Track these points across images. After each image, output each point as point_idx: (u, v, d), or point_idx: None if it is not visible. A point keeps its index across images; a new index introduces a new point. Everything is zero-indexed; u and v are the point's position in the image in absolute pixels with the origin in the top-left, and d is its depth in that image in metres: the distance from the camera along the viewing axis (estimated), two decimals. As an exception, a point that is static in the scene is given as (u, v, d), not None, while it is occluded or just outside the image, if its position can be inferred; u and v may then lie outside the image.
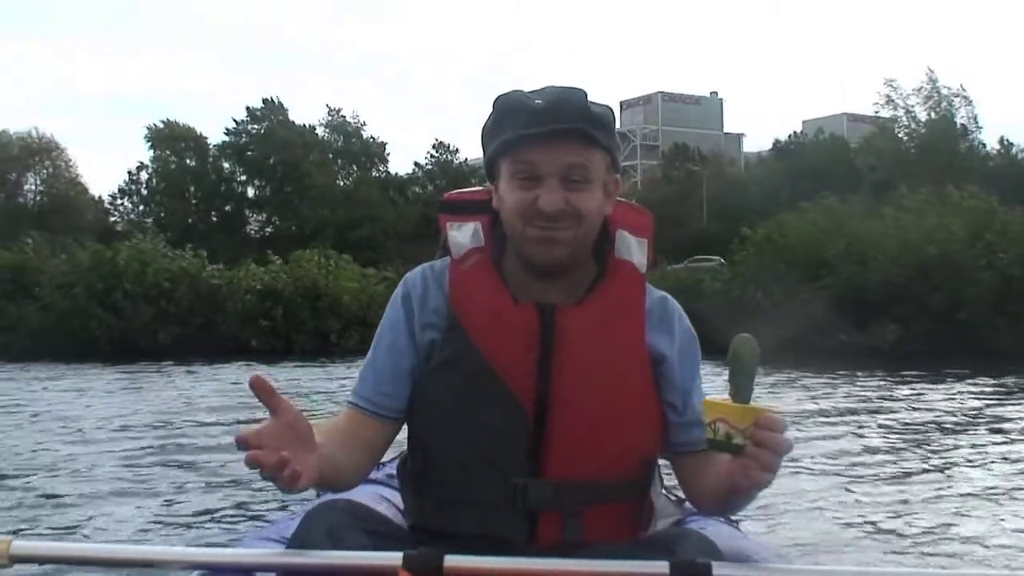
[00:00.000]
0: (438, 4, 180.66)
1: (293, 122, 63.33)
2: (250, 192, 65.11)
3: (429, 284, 2.14)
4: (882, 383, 16.91)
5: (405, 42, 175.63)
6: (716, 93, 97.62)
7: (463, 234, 2.18)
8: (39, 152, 64.89)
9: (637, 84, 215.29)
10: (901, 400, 14.07)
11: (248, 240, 58.34)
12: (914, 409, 12.72)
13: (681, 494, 2.43)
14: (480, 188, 2.23)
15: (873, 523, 5.69)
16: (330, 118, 66.24)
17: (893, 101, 52.74)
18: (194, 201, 63.50)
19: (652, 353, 2.09)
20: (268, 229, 62.91)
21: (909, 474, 7.51)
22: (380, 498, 2.53)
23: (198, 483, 6.83)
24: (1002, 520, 5.83)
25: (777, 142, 70.00)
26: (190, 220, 59.76)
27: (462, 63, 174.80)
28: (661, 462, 2.24)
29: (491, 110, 2.12)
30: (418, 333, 2.11)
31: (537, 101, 2.02)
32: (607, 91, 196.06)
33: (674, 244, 48.72)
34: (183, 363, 22.72)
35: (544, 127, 1.98)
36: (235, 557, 1.91)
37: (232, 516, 5.69)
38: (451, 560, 1.73)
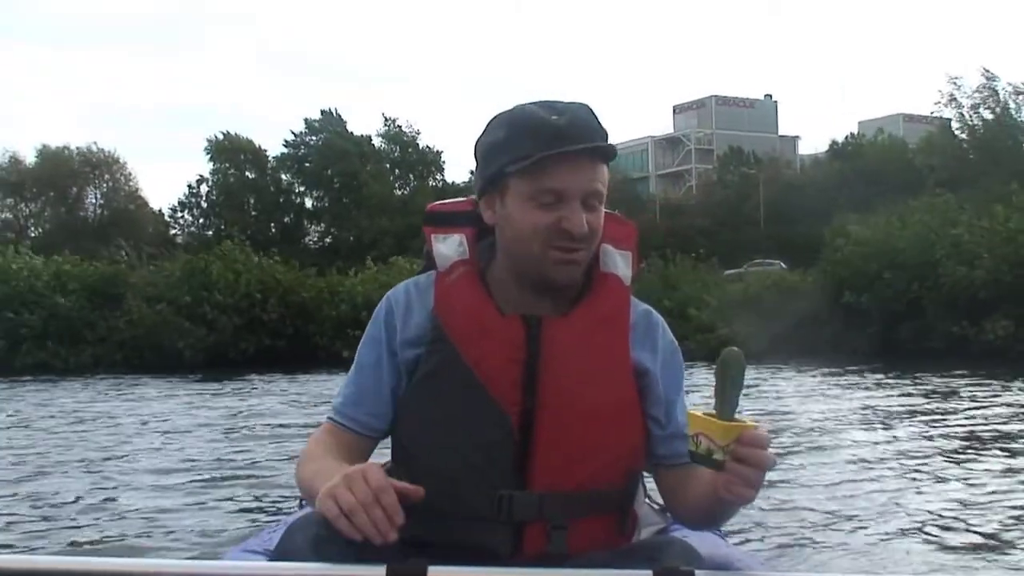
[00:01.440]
0: (489, 14, 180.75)
1: (351, 133, 63.71)
2: (308, 203, 65.62)
3: (413, 300, 2.14)
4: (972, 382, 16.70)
5: (460, 51, 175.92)
6: (770, 95, 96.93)
7: (448, 246, 2.17)
8: (99, 166, 65.72)
9: (690, 88, 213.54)
10: (946, 402, 13.88)
11: (307, 251, 58.63)
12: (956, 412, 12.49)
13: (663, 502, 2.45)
14: (463, 199, 2.23)
15: (864, 531, 5.60)
16: (386, 128, 66.60)
17: (956, 100, 51.88)
18: (254, 213, 63.96)
19: (636, 367, 2.10)
20: (327, 239, 63.31)
21: (920, 481, 7.32)
22: None
23: (184, 496, 6.75)
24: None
25: (834, 143, 69.28)
26: (249, 232, 60.46)
27: (515, 69, 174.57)
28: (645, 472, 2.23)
29: (494, 124, 2.10)
30: (400, 351, 2.11)
31: (555, 117, 2.01)
32: (660, 96, 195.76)
33: (731, 248, 48.49)
34: (268, 374, 22.41)
35: (571, 146, 1.97)
36: (219, 570, 1.90)
37: (215, 528, 5.61)
38: (435, 571, 1.73)
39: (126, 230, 58.10)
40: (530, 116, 2.03)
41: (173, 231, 64.18)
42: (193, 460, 8.62)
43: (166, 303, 28.13)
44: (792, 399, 14.91)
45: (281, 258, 33.35)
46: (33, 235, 61.23)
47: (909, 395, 15.05)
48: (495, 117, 2.12)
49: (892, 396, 14.95)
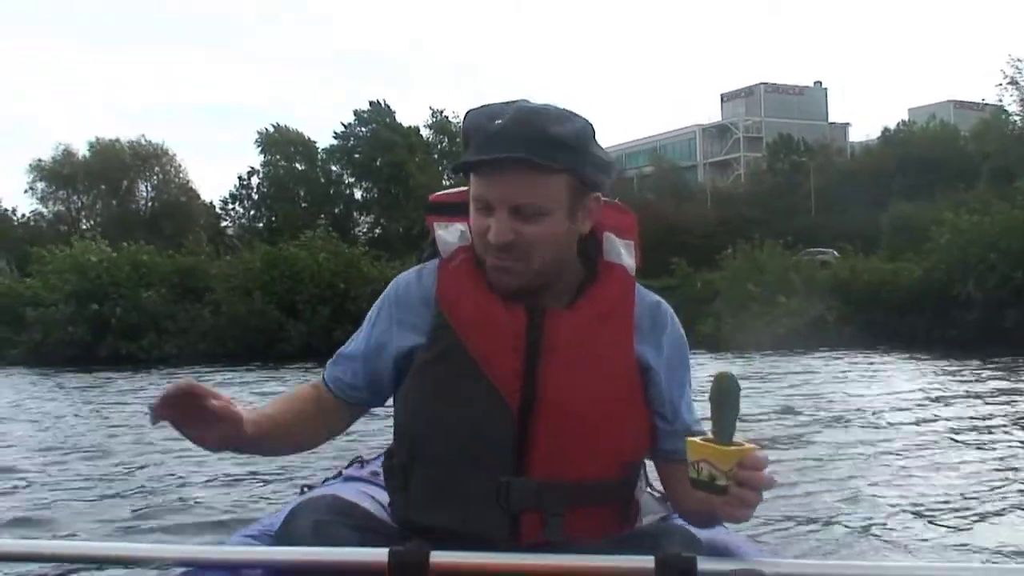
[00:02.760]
0: (536, 7, 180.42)
1: (399, 124, 63.80)
2: (358, 194, 65.79)
3: (417, 286, 2.15)
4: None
5: (509, 40, 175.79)
6: (820, 82, 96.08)
7: (450, 233, 2.18)
8: (150, 159, 66.27)
9: (738, 75, 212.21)
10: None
11: (357, 242, 58.88)
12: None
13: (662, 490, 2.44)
14: (466, 188, 2.15)
15: (865, 520, 5.59)
16: (434, 119, 66.65)
17: (1017, 82, 51.15)
18: (304, 204, 64.21)
19: (640, 361, 2.09)
20: (377, 230, 63.51)
21: (925, 468, 7.36)
22: (365, 495, 2.51)
23: (185, 482, 6.81)
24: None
25: (886, 130, 68.72)
26: (300, 223, 60.69)
27: (561, 57, 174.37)
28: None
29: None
30: (398, 335, 2.12)
31: (497, 122, 1.99)
32: (708, 83, 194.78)
33: (781, 237, 48.12)
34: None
35: (489, 154, 1.96)
36: (221, 554, 1.91)
37: (218, 514, 5.65)
38: (437, 556, 1.75)
39: (177, 222, 58.62)
40: (476, 119, 2.06)
41: (224, 223, 64.55)
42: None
43: (259, 291, 27.98)
44: (874, 385, 14.75)
45: (365, 248, 33.08)
46: (84, 227, 61.83)
47: (1004, 383, 14.84)
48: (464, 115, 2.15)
49: (972, 383, 14.80)
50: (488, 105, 2.09)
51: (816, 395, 13.38)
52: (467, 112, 2.11)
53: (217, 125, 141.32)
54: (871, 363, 20.02)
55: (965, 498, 6.06)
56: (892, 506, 5.86)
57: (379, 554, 1.73)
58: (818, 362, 20.42)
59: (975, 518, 5.57)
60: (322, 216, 63.23)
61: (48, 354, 25.67)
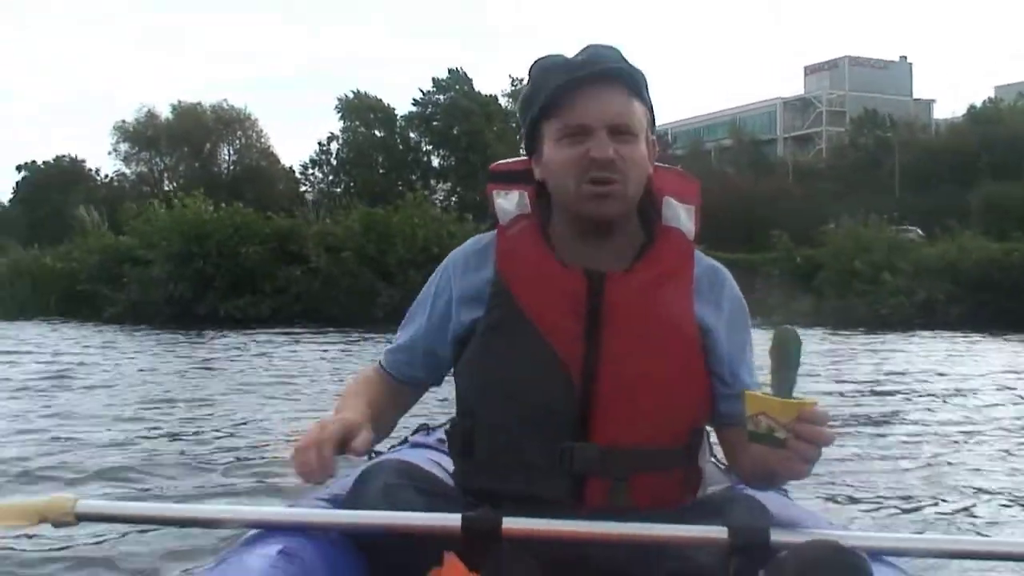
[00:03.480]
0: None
1: (478, 92, 63.85)
2: (435, 162, 66.04)
3: (474, 258, 2.14)
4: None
5: (586, 6, 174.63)
6: (905, 57, 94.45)
7: (509, 201, 2.17)
8: (232, 123, 67.03)
9: (822, 48, 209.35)
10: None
11: (373, 211, 58.96)
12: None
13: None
14: (526, 158, 2.19)
15: (945, 500, 5.46)
16: (512, 88, 66.52)
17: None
18: (382, 171, 64.60)
19: (700, 323, 2.06)
20: (453, 199, 63.75)
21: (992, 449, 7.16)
22: (431, 462, 2.51)
23: (257, 445, 6.84)
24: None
25: (972, 107, 67.45)
26: (377, 189, 60.99)
27: (638, 25, 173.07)
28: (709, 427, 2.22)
29: (527, 80, 2.15)
30: (459, 309, 2.11)
31: (575, 57, 2.06)
32: (791, 56, 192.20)
33: (864, 214, 47.44)
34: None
35: (586, 72, 2.01)
36: (293, 517, 1.93)
37: (289, 477, 5.70)
38: (509, 523, 1.75)
39: (258, 186, 59.27)
40: (550, 59, 2.11)
41: (303, 188, 65.12)
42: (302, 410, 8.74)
43: (350, 253, 27.78)
44: (977, 366, 14.39)
45: (457, 213, 32.71)
46: (167, 188, 62.75)
47: None
48: (529, 70, 2.16)
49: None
50: (549, 55, 2.14)
51: (911, 374, 13.12)
52: (535, 61, 2.14)
53: (298, 91, 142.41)
54: (976, 344, 19.64)
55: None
56: (977, 489, 5.72)
57: (452, 519, 1.74)
58: (923, 342, 20.05)
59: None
60: (400, 183, 63.60)
61: (147, 312, 25.82)
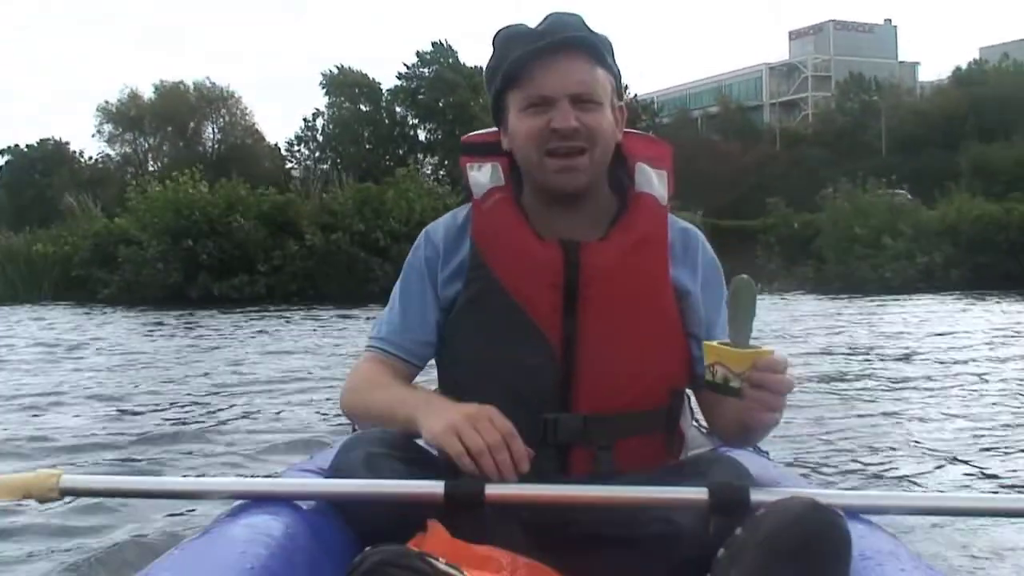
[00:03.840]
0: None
1: (463, 64, 63.53)
2: (422, 135, 65.75)
3: (452, 232, 2.16)
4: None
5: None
6: (890, 20, 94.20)
7: (483, 174, 2.17)
8: (215, 101, 66.61)
9: (806, 13, 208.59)
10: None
11: (366, 187, 58.75)
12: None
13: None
14: (495, 129, 2.19)
15: (926, 459, 5.51)
16: (498, 59, 66.22)
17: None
18: (368, 146, 64.31)
19: (676, 286, 2.10)
20: (441, 172, 63.53)
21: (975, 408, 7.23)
22: None
23: (239, 419, 6.91)
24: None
25: (958, 69, 67.38)
26: (364, 164, 60.69)
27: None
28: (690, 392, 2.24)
29: (491, 51, 2.13)
30: (442, 285, 2.14)
31: (537, 27, 2.06)
32: (775, 21, 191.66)
33: (852, 177, 47.45)
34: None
35: (545, 43, 2.01)
36: (276, 487, 1.94)
37: (273, 449, 5.73)
38: (492, 489, 1.77)
39: (243, 164, 58.97)
40: (512, 29, 2.11)
41: (289, 164, 64.81)
42: (291, 380, 8.87)
43: (341, 232, 27.39)
44: (970, 327, 14.45)
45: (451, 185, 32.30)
46: (151, 168, 62.43)
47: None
48: (492, 39, 2.15)
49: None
50: (513, 24, 2.14)
51: (904, 337, 13.20)
52: (498, 31, 2.13)
53: (281, 67, 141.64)
54: (973, 305, 19.79)
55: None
56: (956, 448, 5.74)
57: (435, 486, 1.76)
58: (919, 305, 20.11)
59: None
60: (387, 158, 63.30)
61: (140, 293, 25.64)
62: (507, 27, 2.13)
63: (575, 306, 2.03)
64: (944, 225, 29.73)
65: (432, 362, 2.27)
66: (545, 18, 2.08)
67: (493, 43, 2.13)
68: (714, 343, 1.79)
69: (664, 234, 2.13)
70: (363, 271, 27.16)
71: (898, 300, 21.93)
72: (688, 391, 2.23)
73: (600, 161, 2.07)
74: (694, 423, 2.41)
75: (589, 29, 2.08)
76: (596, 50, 2.05)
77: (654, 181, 2.16)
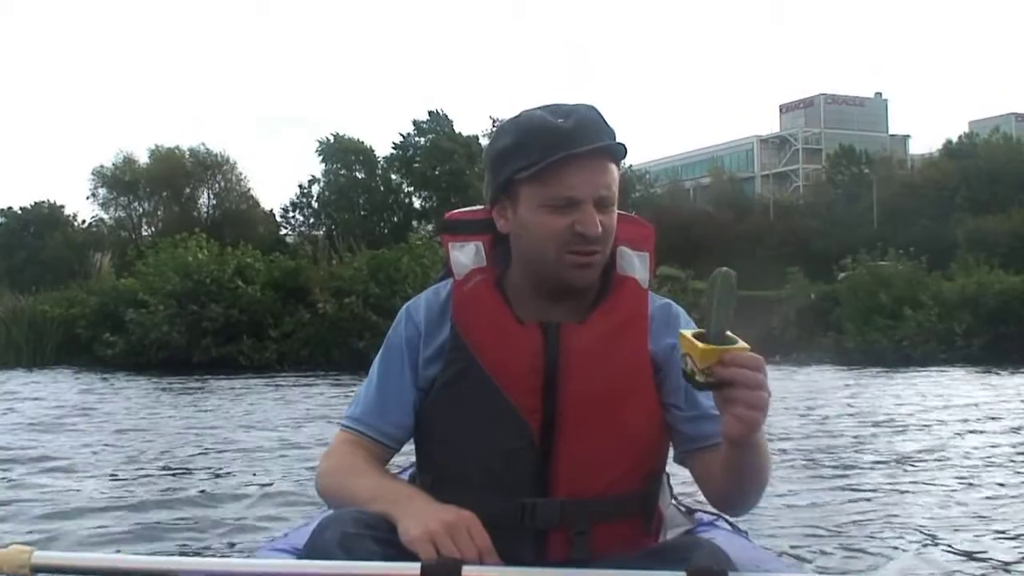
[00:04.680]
0: (585, 16, 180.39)
1: (459, 133, 63.98)
2: (416, 203, 66.02)
3: (434, 312, 2.15)
4: None
5: (564, 48, 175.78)
6: (880, 94, 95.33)
7: (465, 254, 2.16)
8: (212, 167, 66.79)
9: (797, 86, 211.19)
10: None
11: (382, 253, 58.68)
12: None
13: (690, 503, 2.54)
14: (480, 208, 2.20)
15: (894, 537, 5.41)
16: (492, 128, 66.70)
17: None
18: (363, 212, 64.51)
19: (655, 359, 2.09)
20: (436, 240, 63.62)
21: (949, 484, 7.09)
22: None
23: (215, 494, 6.78)
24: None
25: (948, 142, 68.09)
26: (359, 231, 60.77)
27: (625, 63, 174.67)
28: (671, 470, 2.23)
29: (501, 131, 2.11)
30: (423, 365, 2.12)
31: (560, 120, 2.01)
32: (766, 94, 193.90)
33: (846, 249, 47.71)
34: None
35: (580, 147, 1.97)
36: (248, 567, 1.91)
37: (247, 528, 5.64)
38: (469, 571, 1.74)
39: (238, 229, 58.97)
40: (537, 121, 2.04)
41: (284, 231, 64.90)
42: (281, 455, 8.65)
43: (355, 296, 26.70)
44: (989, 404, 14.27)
45: None
46: (146, 233, 62.37)
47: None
48: (502, 124, 2.13)
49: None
50: (532, 110, 2.09)
51: (912, 409, 13.11)
52: (512, 119, 2.10)
53: (277, 135, 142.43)
54: (995, 377, 19.64)
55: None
56: (966, 534, 5.55)
57: (411, 567, 1.72)
58: (940, 376, 20.08)
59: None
60: (381, 224, 63.49)
61: (145, 356, 25.23)
62: (529, 114, 2.09)
63: (555, 389, 2.03)
64: (965, 296, 29.76)
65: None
66: (565, 111, 2.05)
67: (509, 126, 2.10)
68: (688, 333, 1.76)
69: (644, 317, 2.13)
70: (378, 337, 26.74)
71: (918, 372, 21.84)
72: (668, 471, 2.23)
73: (608, 255, 2.09)
74: (672, 501, 2.41)
75: (608, 125, 2.07)
76: (622, 152, 2.06)
77: (636, 264, 2.17)
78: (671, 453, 2.20)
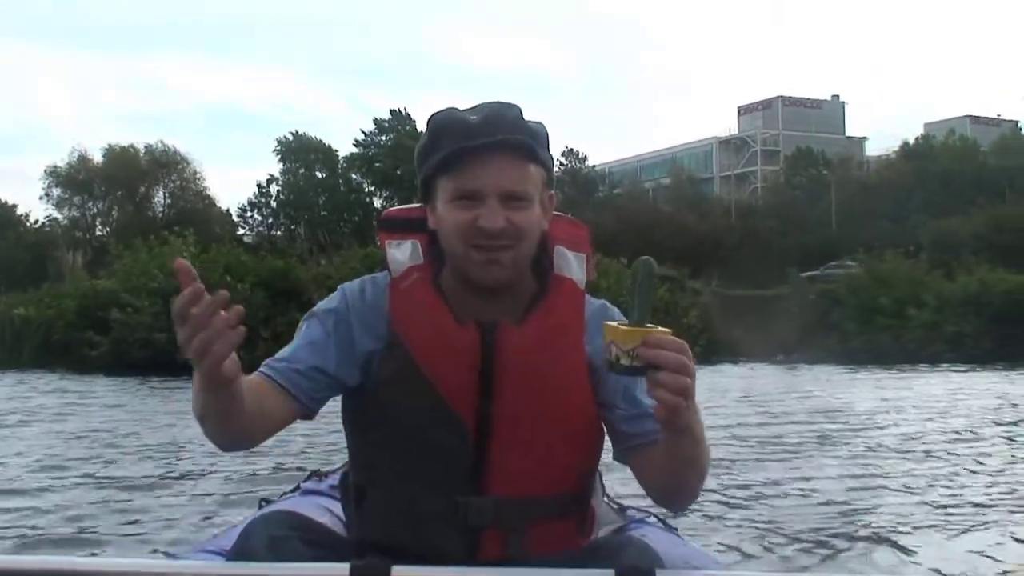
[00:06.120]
0: (568, 15, 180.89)
1: (421, 132, 63.84)
2: (377, 203, 65.81)
3: (369, 298, 2.12)
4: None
5: (534, 49, 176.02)
6: (837, 96, 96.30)
7: (402, 252, 2.14)
8: (167, 165, 66.23)
9: (756, 89, 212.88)
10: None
11: (376, 251, 58.55)
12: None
13: (623, 501, 2.61)
14: (419, 205, 2.17)
15: (816, 530, 5.39)
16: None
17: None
18: (323, 212, 64.27)
19: (591, 362, 2.07)
20: (397, 240, 63.58)
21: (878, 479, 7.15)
22: (323, 509, 2.52)
23: (145, 493, 6.70)
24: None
25: (905, 144, 68.86)
26: (318, 231, 60.49)
27: (587, 67, 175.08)
28: (602, 468, 2.24)
29: (424, 130, 2.10)
30: (357, 342, 2.07)
31: (472, 117, 2.01)
32: (725, 96, 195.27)
33: (803, 251, 48.16)
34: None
35: (481, 140, 1.97)
36: (177, 569, 1.91)
37: (175, 529, 5.56)
38: (399, 571, 1.74)
39: (194, 229, 58.43)
40: (448, 116, 2.05)
41: (241, 231, 64.46)
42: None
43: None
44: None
45: None
46: (100, 233, 61.77)
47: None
48: (427, 121, 2.11)
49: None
50: (452, 108, 2.09)
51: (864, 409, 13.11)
52: (432, 114, 2.09)
53: (236, 133, 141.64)
54: (999, 376, 19.75)
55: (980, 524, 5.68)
56: (896, 528, 5.53)
57: (340, 568, 1.71)
58: (943, 375, 20.22)
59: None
60: (342, 224, 63.20)
61: (132, 360, 24.51)
62: (442, 112, 2.08)
63: (491, 389, 2.02)
64: (967, 295, 29.88)
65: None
66: (481, 108, 2.05)
67: (427, 124, 2.09)
68: (612, 323, 1.75)
69: (580, 318, 2.12)
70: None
71: (922, 372, 21.97)
72: (600, 469, 2.23)
73: (525, 256, 2.05)
74: (605, 499, 2.42)
75: (525, 123, 2.04)
76: (530, 148, 2.02)
77: (573, 265, 2.16)
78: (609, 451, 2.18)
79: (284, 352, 2.10)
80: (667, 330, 1.72)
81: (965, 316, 28.72)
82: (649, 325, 1.72)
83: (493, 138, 1.97)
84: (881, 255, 33.45)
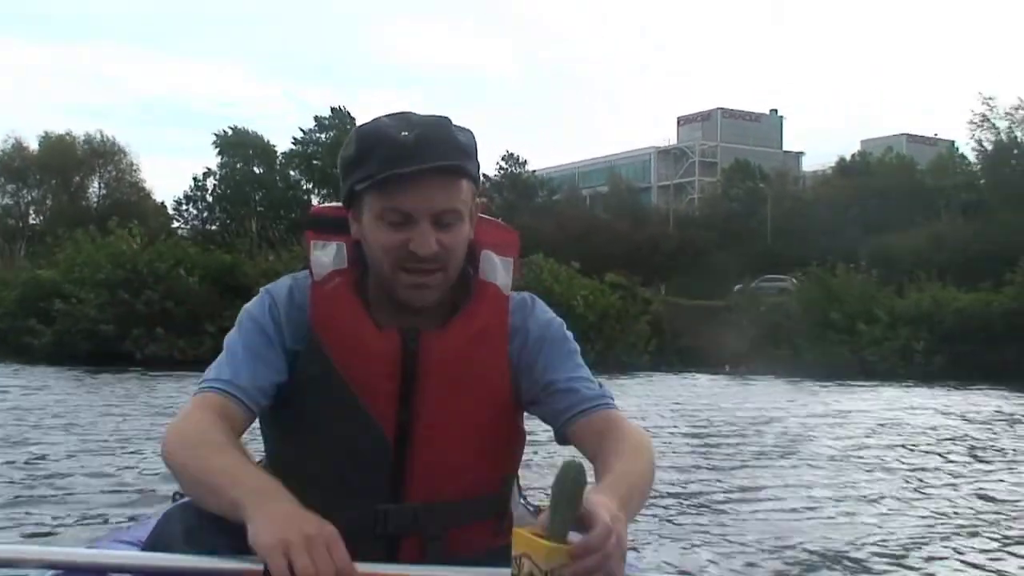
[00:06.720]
0: (509, 16, 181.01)
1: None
2: (315, 200, 65.32)
3: (295, 299, 2.07)
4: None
5: (475, 52, 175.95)
6: (776, 111, 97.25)
7: (326, 254, 2.08)
8: (103, 155, 65.36)
9: (695, 100, 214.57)
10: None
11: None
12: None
13: (537, 503, 2.52)
14: (340, 204, 2.10)
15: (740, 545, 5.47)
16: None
17: (989, 120, 52.55)
18: (260, 208, 63.62)
19: (513, 365, 2.07)
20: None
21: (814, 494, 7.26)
22: None
23: (58, 483, 6.70)
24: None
25: (842, 160, 69.62)
26: (254, 227, 59.86)
27: (528, 71, 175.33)
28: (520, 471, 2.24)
29: (350, 138, 2.02)
30: (286, 344, 2.03)
31: (404, 133, 1.92)
32: (664, 107, 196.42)
33: (740, 262, 48.51)
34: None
35: (414, 165, 1.88)
36: (91, 558, 1.85)
37: (91, 519, 5.57)
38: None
39: (128, 220, 57.64)
40: (379, 131, 1.95)
41: (176, 224, 63.66)
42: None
43: None
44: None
45: None
46: (33, 221, 60.82)
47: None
48: (352, 130, 2.04)
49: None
50: (381, 119, 2.00)
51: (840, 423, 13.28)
52: (359, 127, 2.02)
53: (173, 126, 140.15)
54: (945, 394, 19.97)
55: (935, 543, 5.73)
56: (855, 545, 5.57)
57: (256, 565, 1.63)
58: (895, 392, 20.28)
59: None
60: (278, 221, 62.64)
61: (77, 351, 24.23)
62: (370, 125, 1.99)
63: (411, 396, 1.99)
64: (920, 312, 30.10)
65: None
66: (412, 124, 1.94)
67: (353, 134, 2.01)
68: (524, 531, 1.53)
69: (504, 323, 2.08)
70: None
71: (872, 387, 22.14)
72: (519, 472, 2.22)
73: (453, 274, 2.01)
74: (521, 501, 2.43)
75: (455, 136, 1.96)
76: (462, 167, 1.95)
77: (499, 269, 2.12)
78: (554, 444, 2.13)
79: (236, 360, 2.02)
80: (594, 529, 1.51)
81: (917, 333, 29.00)
82: (571, 539, 1.50)
83: (426, 164, 1.88)
84: (832, 268, 33.66)
